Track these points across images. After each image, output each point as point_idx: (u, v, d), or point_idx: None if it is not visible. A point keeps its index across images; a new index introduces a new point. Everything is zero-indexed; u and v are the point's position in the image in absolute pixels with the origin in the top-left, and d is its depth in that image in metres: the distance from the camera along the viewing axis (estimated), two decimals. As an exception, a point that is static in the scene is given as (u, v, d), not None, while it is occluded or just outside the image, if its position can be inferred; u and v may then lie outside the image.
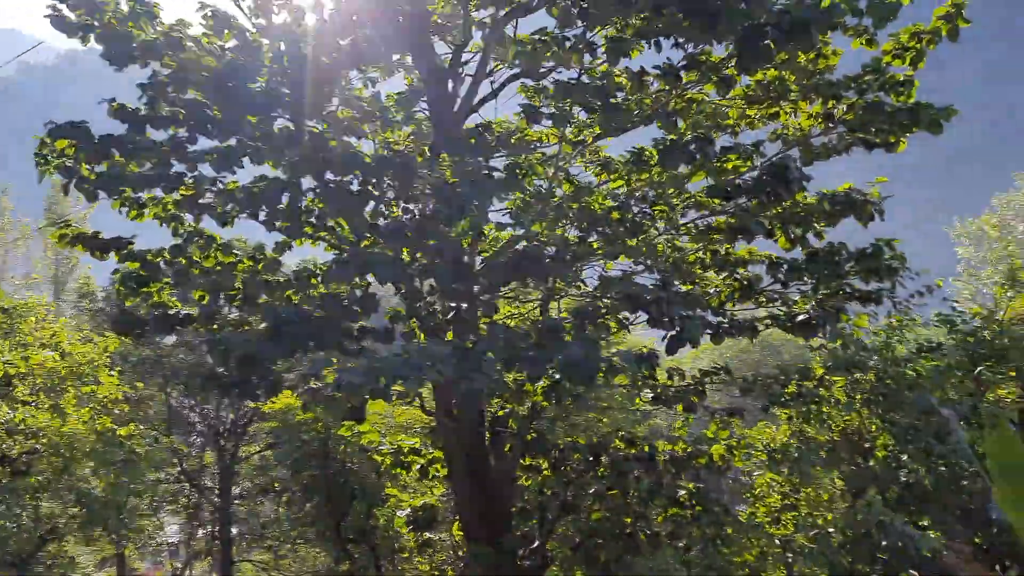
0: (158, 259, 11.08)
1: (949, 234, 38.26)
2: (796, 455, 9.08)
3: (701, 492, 9.83)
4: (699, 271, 10.64)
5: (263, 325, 9.80)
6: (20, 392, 12.38)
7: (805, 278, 8.68)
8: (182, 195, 10.87)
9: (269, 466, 21.91)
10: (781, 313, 8.22)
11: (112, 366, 14.19)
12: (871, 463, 7.98)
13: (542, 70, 10.16)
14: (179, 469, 21.90)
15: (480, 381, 6.97)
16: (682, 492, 9.94)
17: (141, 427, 15.45)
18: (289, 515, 19.09)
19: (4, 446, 12.32)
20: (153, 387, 20.97)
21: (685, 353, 16.65)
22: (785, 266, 9.38)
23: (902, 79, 9.77)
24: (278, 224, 11.02)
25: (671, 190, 9.49)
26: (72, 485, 13.01)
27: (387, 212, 11.26)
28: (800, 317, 7.76)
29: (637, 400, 11.28)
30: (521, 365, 7.36)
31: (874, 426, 8.25)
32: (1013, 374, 8.61)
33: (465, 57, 11.12)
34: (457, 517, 11.74)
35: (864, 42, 9.30)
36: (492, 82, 10.90)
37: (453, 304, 9.15)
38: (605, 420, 16.89)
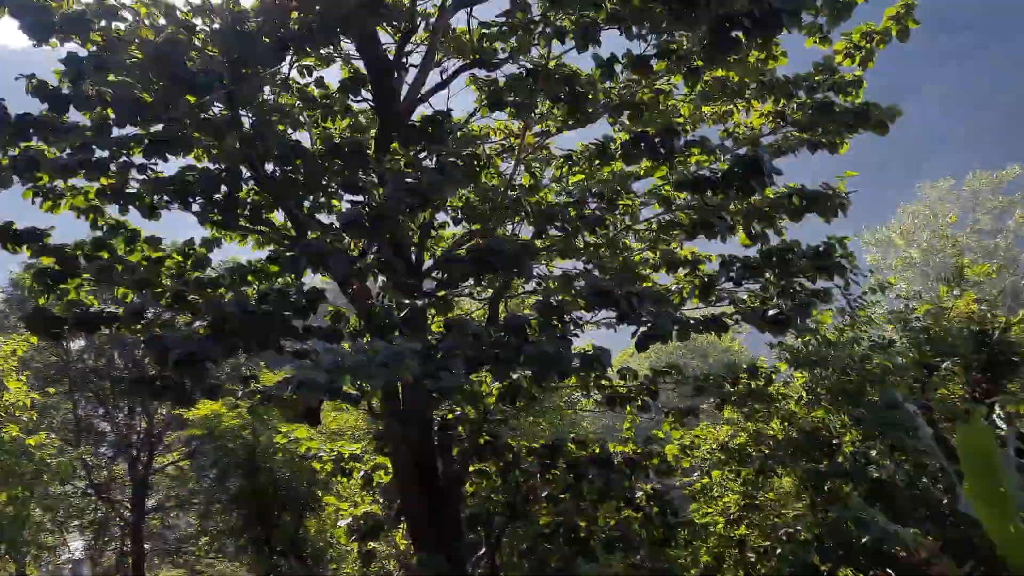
0: (77, 253, 10.26)
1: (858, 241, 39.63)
2: (753, 453, 9.00)
3: (658, 493, 9.65)
4: (649, 271, 10.49)
5: (198, 324, 9.15)
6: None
7: (768, 275, 8.60)
8: (104, 184, 10.12)
9: (187, 477, 20.83)
10: (749, 308, 8.08)
11: (19, 371, 13.07)
12: (840, 459, 7.94)
13: (496, 60, 9.84)
14: (87, 482, 20.52)
15: (448, 380, 6.59)
16: (639, 494, 9.74)
17: (52, 436, 14.34)
18: (211, 527, 18.13)
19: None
20: (57, 394, 19.60)
21: (615, 355, 16.64)
22: (738, 264, 9.30)
23: (851, 79, 9.88)
24: (212, 217, 10.37)
25: (619, 187, 9.29)
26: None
27: (329, 204, 10.74)
28: (771, 313, 7.64)
29: (586, 401, 11.04)
30: (487, 364, 7.00)
31: (840, 422, 8.23)
32: (961, 371, 8.76)
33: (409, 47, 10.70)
34: (402, 525, 11.27)
35: (818, 40, 9.33)
36: (442, 72, 10.52)
37: (406, 301, 8.73)
38: (543, 423, 16.62)
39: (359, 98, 11.36)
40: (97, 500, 21.17)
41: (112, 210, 10.71)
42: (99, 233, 10.86)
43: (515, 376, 8.92)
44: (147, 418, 21.48)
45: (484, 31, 7.72)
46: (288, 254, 7.91)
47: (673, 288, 9.19)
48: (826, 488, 7.79)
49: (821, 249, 9.02)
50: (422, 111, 10.45)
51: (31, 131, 8.72)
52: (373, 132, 10.84)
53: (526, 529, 11.47)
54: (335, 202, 10.53)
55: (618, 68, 7.54)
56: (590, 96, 7.84)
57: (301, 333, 9.02)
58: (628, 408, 10.75)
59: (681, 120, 10.02)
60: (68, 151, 9.34)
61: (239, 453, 15.02)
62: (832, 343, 8.41)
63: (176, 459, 22.62)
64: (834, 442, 8.14)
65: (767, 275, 9.06)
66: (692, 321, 7.64)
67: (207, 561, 22.14)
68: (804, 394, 8.78)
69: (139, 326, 10.58)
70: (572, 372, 6.89)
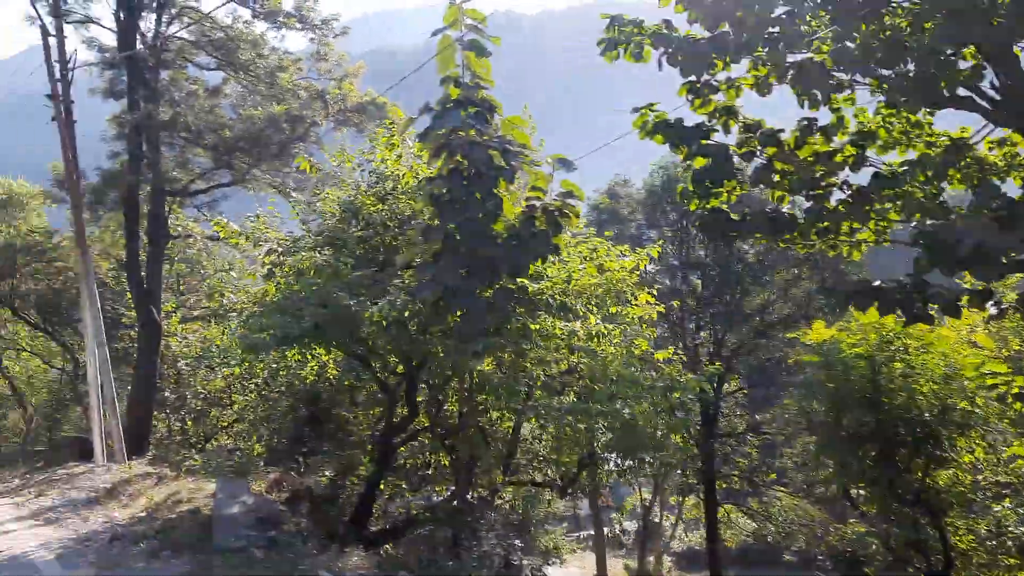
0: (740, 151, 9.31)
1: None
2: None
3: None
4: None
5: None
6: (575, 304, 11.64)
7: None
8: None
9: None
10: None
11: (650, 284, 13.14)
12: None
13: None
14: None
15: None
16: None
17: (678, 352, 14.35)
18: (809, 460, 17.01)
19: (554, 360, 11.80)
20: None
21: None
22: None
23: None
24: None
25: None
26: (610, 410, 12.22)
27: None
28: None
29: None
30: None
31: None
32: None
33: None
34: None
35: None
36: None
37: None
38: None
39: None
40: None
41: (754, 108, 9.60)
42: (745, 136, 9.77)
43: None
44: (715, 342, 21.15)
45: None
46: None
47: None
48: None
49: None
50: None
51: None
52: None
53: None
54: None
55: None
56: None
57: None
58: None
59: None
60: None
61: (857, 384, 13.27)
62: None
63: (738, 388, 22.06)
64: None
65: None
66: None
67: (774, 493, 21.31)
68: None
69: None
70: None
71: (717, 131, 9.22)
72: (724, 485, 23.64)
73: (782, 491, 22.93)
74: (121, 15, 18.64)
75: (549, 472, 14.03)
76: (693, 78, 9.20)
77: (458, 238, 9.25)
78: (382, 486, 14.02)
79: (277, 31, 19.26)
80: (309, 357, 13.87)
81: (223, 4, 19.32)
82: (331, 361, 14.66)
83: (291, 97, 19.27)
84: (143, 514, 11.71)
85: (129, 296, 21.88)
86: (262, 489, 12.76)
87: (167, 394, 22.39)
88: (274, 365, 15.22)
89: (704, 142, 9.35)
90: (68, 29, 17.65)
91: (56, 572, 9.13)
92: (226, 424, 22.54)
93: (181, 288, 27.17)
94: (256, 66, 18.98)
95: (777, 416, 21.10)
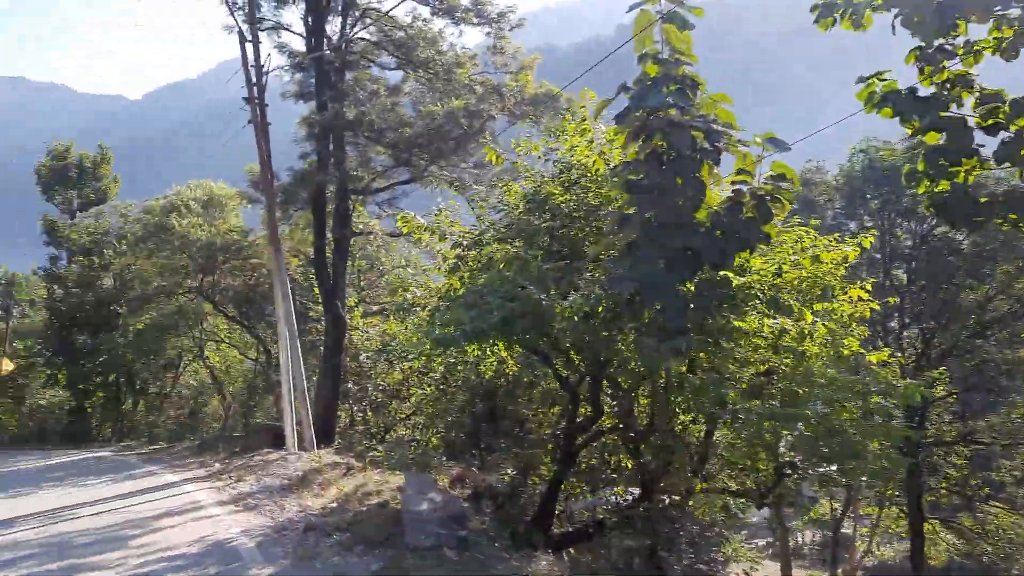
0: (989, 122, 8.07)
1: None
2: None
3: None
4: None
5: None
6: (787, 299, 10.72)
7: None
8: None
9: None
10: None
11: (862, 278, 11.87)
12: None
13: None
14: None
15: None
16: None
17: (896, 354, 12.99)
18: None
19: (757, 360, 10.93)
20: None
21: None
22: None
23: None
24: None
25: None
26: (816, 415, 11.18)
27: None
28: None
29: None
30: None
31: None
32: None
33: None
34: None
35: None
36: None
37: None
38: None
39: None
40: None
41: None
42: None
43: None
44: (923, 342, 19.14)
45: None
46: None
47: None
48: None
49: None
50: None
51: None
52: None
53: None
54: None
55: None
56: None
57: None
58: None
59: None
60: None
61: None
62: None
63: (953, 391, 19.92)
64: None
65: None
66: None
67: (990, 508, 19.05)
68: None
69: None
70: None
71: (952, 102, 8.08)
72: (931, 498, 21.58)
73: (1000, 507, 20.64)
74: (309, 19, 19.42)
75: (746, 480, 13.05)
76: (923, 44, 8.11)
77: (656, 227, 8.63)
78: (563, 486, 13.60)
79: (455, 27, 19.39)
80: (489, 353, 13.66)
81: (401, 1, 19.68)
82: (509, 357, 14.41)
83: (467, 92, 19.30)
84: (334, 505, 11.90)
85: (316, 291, 22.80)
86: (445, 484, 12.68)
87: (350, 385, 23.18)
88: (451, 360, 15.20)
89: (942, 114, 8.24)
90: (261, 36, 18.51)
91: (257, 560, 9.32)
92: (404, 416, 23.07)
93: (362, 283, 28.15)
94: (434, 63, 19.16)
95: (997, 424, 18.98)
